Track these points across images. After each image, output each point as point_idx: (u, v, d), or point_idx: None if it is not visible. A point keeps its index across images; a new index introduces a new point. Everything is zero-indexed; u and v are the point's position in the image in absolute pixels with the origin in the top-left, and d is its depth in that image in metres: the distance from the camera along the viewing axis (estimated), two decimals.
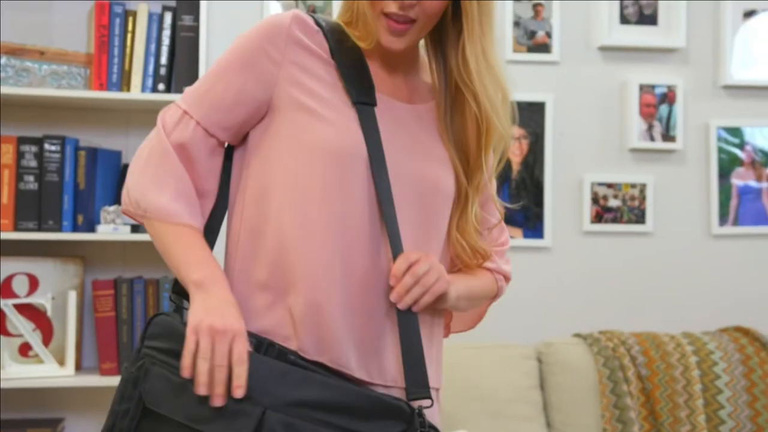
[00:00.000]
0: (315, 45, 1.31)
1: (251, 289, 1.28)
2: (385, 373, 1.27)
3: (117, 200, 2.51)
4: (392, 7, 1.26)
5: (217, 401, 1.15)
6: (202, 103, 1.31)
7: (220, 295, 1.22)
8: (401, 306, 1.24)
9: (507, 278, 1.50)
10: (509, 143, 1.37)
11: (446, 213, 1.36)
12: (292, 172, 1.27)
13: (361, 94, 1.30)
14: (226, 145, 1.35)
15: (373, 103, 1.30)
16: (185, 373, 1.16)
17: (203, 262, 1.26)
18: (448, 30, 1.35)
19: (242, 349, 1.17)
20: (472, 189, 1.36)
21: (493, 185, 1.43)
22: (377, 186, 1.26)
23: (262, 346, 1.22)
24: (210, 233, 1.32)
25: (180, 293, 1.30)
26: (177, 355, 1.17)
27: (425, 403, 1.22)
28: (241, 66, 1.30)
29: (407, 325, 1.25)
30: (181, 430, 1.17)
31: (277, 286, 1.26)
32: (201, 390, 1.15)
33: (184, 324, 1.20)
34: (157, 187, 1.28)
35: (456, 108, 1.36)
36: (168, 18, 2.48)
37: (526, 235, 2.82)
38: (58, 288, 2.46)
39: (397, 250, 1.25)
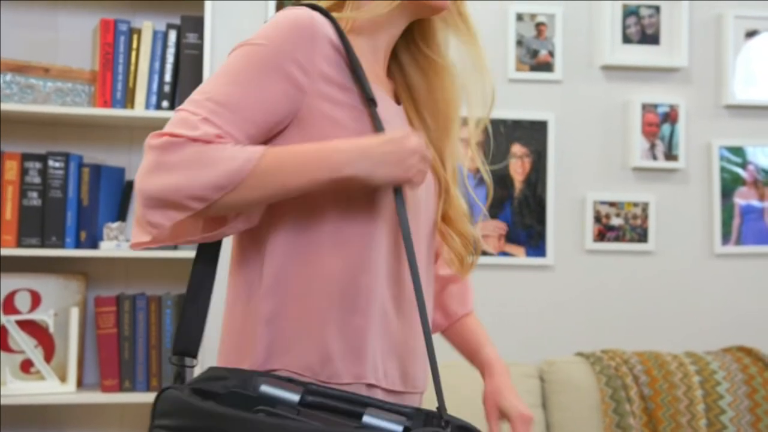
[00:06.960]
0: (334, 46, 1.23)
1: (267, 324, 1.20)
2: (416, 382, 1.31)
3: (120, 217, 2.52)
4: None
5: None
6: (225, 110, 1.15)
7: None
8: None
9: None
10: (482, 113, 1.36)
11: (431, 203, 1.34)
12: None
13: (369, 90, 1.23)
14: None
15: (375, 103, 1.24)
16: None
17: (323, 147, 1.17)
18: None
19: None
20: (450, 176, 1.35)
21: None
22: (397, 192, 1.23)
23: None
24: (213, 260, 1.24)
25: (182, 353, 1.20)
26: (188, 431, 1.10)
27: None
28: (271, 73, 1.18)
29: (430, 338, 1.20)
30: None
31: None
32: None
33: (192, 396, 1.12)
34: (204, 166, 1.11)
35: (427, 87, 1.37)
36: (172, 36, 2.49)
37: (528, 254, 2.82)
38: (60, 304, 2.46)
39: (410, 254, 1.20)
